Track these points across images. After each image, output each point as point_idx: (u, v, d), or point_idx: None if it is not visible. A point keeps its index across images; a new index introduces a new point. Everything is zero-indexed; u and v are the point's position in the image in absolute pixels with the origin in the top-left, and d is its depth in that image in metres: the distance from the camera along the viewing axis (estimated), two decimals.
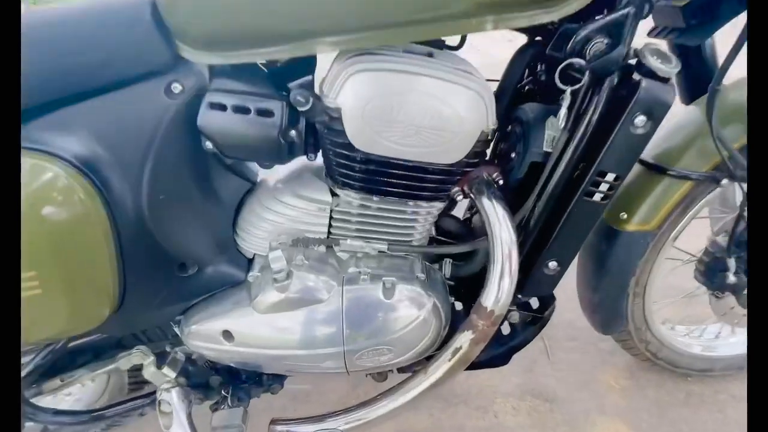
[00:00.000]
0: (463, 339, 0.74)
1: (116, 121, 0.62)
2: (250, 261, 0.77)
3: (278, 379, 0.88)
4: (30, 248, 0.58)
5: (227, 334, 0.72)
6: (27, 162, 0.58)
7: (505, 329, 0.89)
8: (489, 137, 0.68)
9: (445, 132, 0.63)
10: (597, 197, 0.69)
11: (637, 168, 0.88)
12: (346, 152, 0.66)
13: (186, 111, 0.63)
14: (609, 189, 0.69)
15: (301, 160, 0.73)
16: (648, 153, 0.87)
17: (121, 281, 0.67)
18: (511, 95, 0.79)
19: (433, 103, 0.62)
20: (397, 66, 0.61)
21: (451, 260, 0.82)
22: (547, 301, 0.89)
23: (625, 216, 0.89)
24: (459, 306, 0.87)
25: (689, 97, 0.93)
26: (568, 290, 1.53)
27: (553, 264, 0.77)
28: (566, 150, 0.67)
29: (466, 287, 0.84)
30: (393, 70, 0.61)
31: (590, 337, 1.32)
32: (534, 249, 0.76)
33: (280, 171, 0.76)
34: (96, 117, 0.62)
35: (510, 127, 0.77)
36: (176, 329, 0.77)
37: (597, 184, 0.68)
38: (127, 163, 0.63)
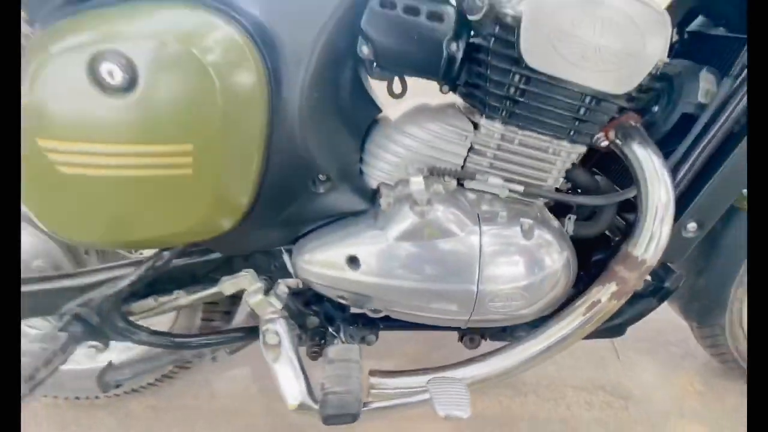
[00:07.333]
0: (604, 292, 0.69)
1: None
2: (374, 193, 0.75)
3: (373, 327, 0.86)
4: (193, 114, 0.57)
5: (353, 261, 0.70)
6: (202, 16, 0.56)
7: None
8: (655, 73, 0.65)
9: (623, 54, 0.60)
10: None
11: None
12: (508, 68, 0.63)
13: (357, 7, 0.62)
14: None
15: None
16: None
17: (258, 184, 0.65)
18: None
19: (620, 20, 0.59)
20: None
21: (574, 217, 0.77)
22: (668, 271, 0.81)
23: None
24: None
25: None
26: None
27: (692, 225, 0.73)
28: (729, 102, 0.67)
29: (579, 251, 0.78)
30: None
31: (660, 339, 1.29)
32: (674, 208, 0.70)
33: (405, 106, 0.75)
34: None
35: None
36: (285, 257, 0.76)
37: None
38: (297, 44, 0.60)
